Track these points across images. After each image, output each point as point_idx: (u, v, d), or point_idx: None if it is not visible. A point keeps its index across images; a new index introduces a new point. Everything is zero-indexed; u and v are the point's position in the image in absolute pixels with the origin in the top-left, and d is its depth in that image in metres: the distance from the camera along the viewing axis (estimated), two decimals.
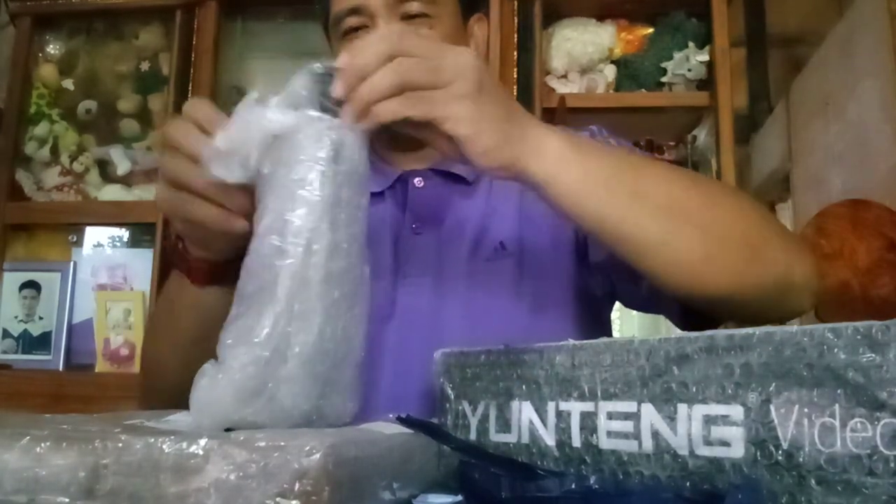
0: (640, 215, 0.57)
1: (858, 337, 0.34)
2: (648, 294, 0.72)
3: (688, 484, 0.39)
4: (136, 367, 1.77)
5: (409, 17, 0.79)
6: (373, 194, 0.86)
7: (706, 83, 1.80)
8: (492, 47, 1.72)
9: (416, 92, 0.52)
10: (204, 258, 0.64)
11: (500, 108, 0.55)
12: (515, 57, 1.78)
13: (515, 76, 1.77)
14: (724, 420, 0.38)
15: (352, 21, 0.79)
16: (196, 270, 0.65)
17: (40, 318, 1.92)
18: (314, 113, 0.51)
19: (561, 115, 1.74)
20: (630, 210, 0.57)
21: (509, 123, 0.55)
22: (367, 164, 0.53)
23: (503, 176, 0.56)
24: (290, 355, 0.48)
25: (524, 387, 0.47)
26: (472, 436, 0.50)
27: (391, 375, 0.77)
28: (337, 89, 0.52)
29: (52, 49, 2.09)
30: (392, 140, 0.86)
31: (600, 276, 0.79)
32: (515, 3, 1.80)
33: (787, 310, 0.66)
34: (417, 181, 0.85)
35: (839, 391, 0.34)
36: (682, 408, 0.39)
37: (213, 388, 0.47)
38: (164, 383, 0.73)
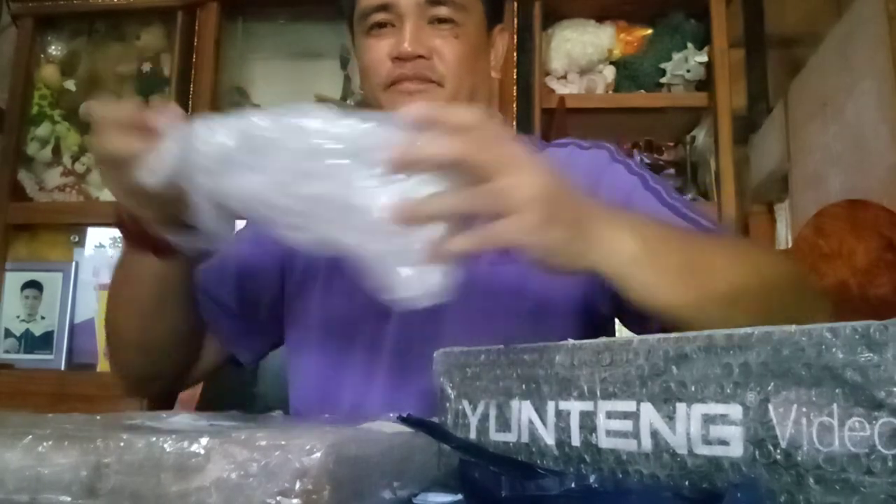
0: (706, 306, 0.57)
1: (857, 336, 0.34)
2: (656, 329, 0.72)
3: (687, 483, 0.39)
4: None
5: (437, 21, 0.79)
6: None
7: (705, 84, 1.80)
8: None
9: (480, 221, 0.50)
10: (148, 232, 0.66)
11: (567, 213, 0.52)
12: (515, 58, 1.78)
13: (515, 77, 1.78)
14: (723, 419, 0.38)
15: (379, 17, 0.79)
16: (131, 235, 0.67)
17: (42, 318, 1.92)
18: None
19: (560, 115, 1.75)
20: (698, 301, 0.57)
21: (576, 227, 0.52)
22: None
23: (567, 274, 0.55)
24: None
25: (524, 386, 0.48)
26: (472, 435, 0.50)
27: (389, 373, 0.77)
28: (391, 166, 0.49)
29: (54, 50, 2.09)
30: None
31: (608, 302, 0.77)
32: (515, 3, 1.80)
33: None
34: None
35: (837, 390, 0.34)
36: (681, 407, 0.39)
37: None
38: (125, 349, 0.78)
